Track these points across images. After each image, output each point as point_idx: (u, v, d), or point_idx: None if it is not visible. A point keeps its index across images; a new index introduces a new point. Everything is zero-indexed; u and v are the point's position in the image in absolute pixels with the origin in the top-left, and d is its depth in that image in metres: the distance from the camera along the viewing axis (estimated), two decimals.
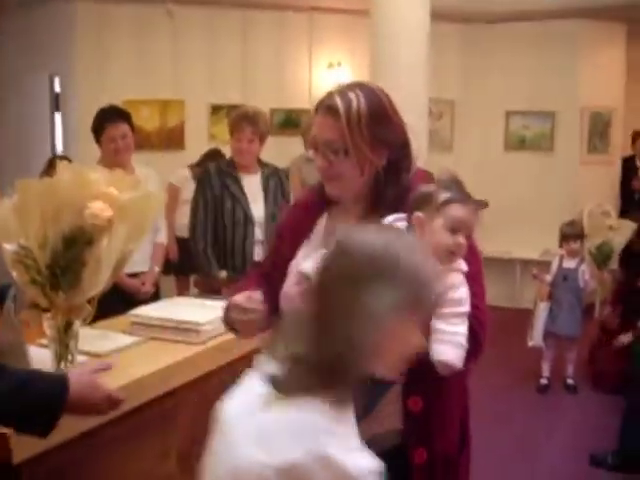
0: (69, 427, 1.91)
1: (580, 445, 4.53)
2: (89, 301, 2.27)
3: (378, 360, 1.31)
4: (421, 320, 1.39)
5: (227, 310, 1.96)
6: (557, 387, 5.63)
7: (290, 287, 1.84)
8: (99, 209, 2.04)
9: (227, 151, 4.48)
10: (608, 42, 8.00)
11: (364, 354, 1.27)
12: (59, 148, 7.33)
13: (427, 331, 1.63)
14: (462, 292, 1.71)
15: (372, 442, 1.35)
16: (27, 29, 7.16)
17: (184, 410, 2.50)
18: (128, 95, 6.66)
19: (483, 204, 1.80)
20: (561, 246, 5.63)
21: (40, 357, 2.21)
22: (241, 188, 4.04)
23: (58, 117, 7.32)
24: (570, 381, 5.62)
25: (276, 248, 2.06)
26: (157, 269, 4.13)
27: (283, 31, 7.52)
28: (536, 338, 5.56)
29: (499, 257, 8.02)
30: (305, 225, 1.93)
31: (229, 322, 1.98)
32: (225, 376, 2.31)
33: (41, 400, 1.58)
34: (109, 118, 3.94)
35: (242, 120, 4.03)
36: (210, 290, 3.89)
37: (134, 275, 3.92)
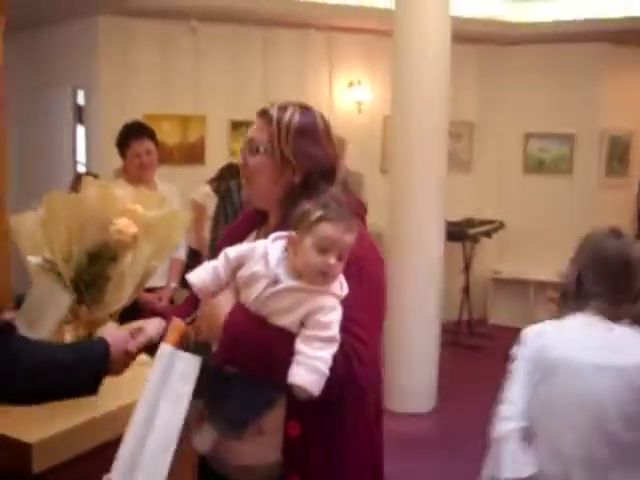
0: (89, 439, 1.94)
1: None
2: (111, 315, 2.31)
3: None
4: None
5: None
6: None
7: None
8: (124, 225, 2.09)
9: None
10: (628, 66, 8.01)
11: None
12: (81, 160, 7.40)
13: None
14: (331, 316, 1.63)
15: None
16: (51, 43, 7.26)
17: None
18: (150, 109, 6.73)
19: (357, 225, 1.70)
20: None
21: None
22: None
23: (80, 130, 7.41)
24: None
25: None
26: (174, 285, 4.16)
27: (304, 49, 7.56)
28: None
29: (514, 278, 8.02)
30: (237, 240, 1.92)
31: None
32: None
33: (92, 367, 1.74)
34: (134, 134, 3.97)
35: None
36: None
37: (151, 290, 3.95)
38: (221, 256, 1.73)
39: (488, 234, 7.83)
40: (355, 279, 1.70)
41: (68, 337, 2.31)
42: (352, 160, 6.15)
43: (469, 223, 7.73)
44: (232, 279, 1.72)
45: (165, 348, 1.68)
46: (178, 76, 7.09)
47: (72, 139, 7.41)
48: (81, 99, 7.34)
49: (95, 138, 6.99)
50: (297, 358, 1.59)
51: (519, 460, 2.13)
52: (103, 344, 1.76)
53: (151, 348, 1.78)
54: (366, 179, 6.38)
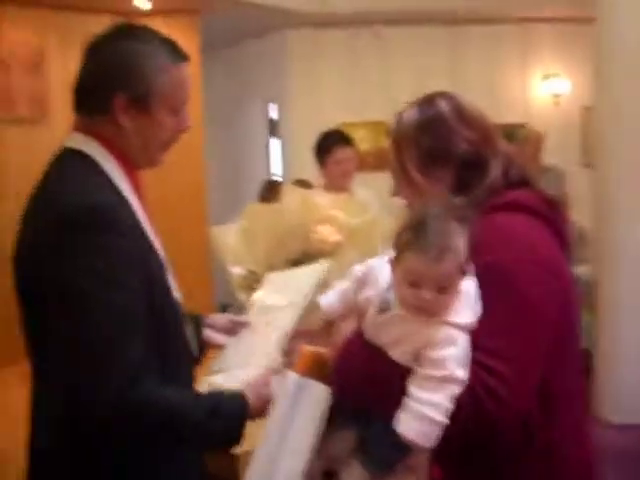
0: None
1: None
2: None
3: None
4: None
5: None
6: None
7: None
8: (327, 233, 2.03)
9: None
10: None
11: None
12: (275, 171, 7.59)
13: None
14: (446, 351, 1.32)
15: None
16: (244, 59, 7.51)
17: None
18: (341, 118, 6.76)
19: (446, 250, 1.33)
20: None
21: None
22: None
23: (274, 142, 7.59)
24: None
25: None
26: None
27: (494, 44, 7.33)
28: None
29: None
30: None
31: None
32: None
33: (231, 418, 1.57)
34: (335, 141, 3.96)
35: None
36: None
37: None
38: (350, 275, 1.55)
39: None
40: (492, 296, 1.39)
41: None
42: (550, 155, 5.86)
43: None
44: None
45: (291, 376, 1.55)
46: (367, 82, 7.09)
47: (266, 152, 7.61)
48: (274, 112, 7.53)
49: (288, 150, 7.13)
50: (405, 401, 1.34)
51: None
52: (241, 398, 1.60)
53: None
54: (566, 174, 6.05)
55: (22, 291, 1.53)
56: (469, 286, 1.38)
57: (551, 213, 1.54)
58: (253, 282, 2.30)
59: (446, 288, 1.33)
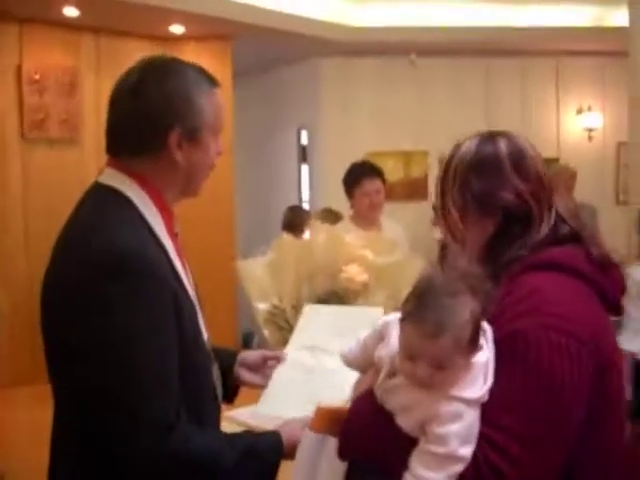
0: None
1: None
2: None
3: None
4: None
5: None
6: None
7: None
8: (354, 273, 1.98)
9: None
10: None
11: None
12: (305, 198, 7.56)
13: None
14: (450, 427, 1.22)
15: None
16: (277, 87, 7.51)
17: None
18: (372, 147, 6.74)
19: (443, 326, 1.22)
20: None
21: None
22: None
23: (305, 168, 7.57)
24: None
25: None
26: None
27: (528, 77, 7.29)
28: None
29: None
30: None
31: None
32: None
33: (266, 458, 1.55)
34: (364, 173, 3.94)
35: None
36: None
37: None
38: (374, 325, 1.44)
39: None
40: (505, 366, 1.26)
41: None
42: (583, 191, 5.78)
43: None
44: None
45: (307, 435, 1.49)
46: (399, 112, 7.06)
47: (297, 178, 7.59)
48: (305, 139, 7.52)
49: (318, 177, 7.11)
50: (404, 476, 1.25)
51: None
52: (276, 438, 1.58)
53: None
54: (599, 211, 5.96)
55: (44, 328, 1.50)
56: (482, 357, 1.27)
57: (598, 274, 1.39)
58: (278, 318, 2.26)
59: (444, 365, 1.23)
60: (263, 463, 1.53)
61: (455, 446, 1.21)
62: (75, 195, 1.59)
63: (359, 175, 3.94)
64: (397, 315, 1.33)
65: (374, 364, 1.40)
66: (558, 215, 1.44)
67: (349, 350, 1.49)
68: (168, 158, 1.52)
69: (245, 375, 1.88)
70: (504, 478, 1.21)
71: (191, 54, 5.65)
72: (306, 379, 1.86)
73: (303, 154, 7.51)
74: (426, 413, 1.24)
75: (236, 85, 6.04)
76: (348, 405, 1.46)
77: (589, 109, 7.31)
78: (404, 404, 1.29)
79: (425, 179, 7.15)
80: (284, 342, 2.29)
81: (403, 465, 1.26)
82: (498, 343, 1.28)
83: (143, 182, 1.53)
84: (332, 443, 1.44)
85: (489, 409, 1.24)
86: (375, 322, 1.43)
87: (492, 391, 1.25)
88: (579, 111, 7.36)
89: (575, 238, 1.43)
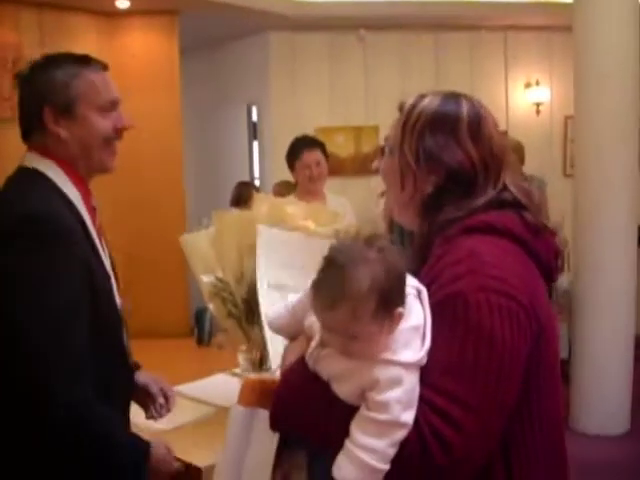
0: None
1: None
2: None
3: None
4: None
5: None
6: None
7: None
8: None
9: None
10: None
11: None
12: (256, 175, 7.53)
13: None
14: (390, 393, 1.20)
15: None
16: (225, 62, 7.44)
17: None
18: (322, 122, 6.73)
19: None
20: None
21: (231, 386, 2.18)
22: None
23: (255, 144, 7.52)
24: None
25: None
26: None
27: (476, 51, 7.31)
28: None
29: None
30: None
31: None
32: None
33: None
34: (303, 146, 3.98)
35: None
36: None
37: None
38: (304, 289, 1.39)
39: None
40: (445, 328, 1.25)
41: (241, 360, 2.25)
42: (531, 164, 5.85)
43: None
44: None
45: (236, 410, 1.47)
46: (348, 87, 7.05)
47: (249, 155, 7.54)
48: (255, 116, 7.47)
49: (268, 153, 7.08)
50: (346, 444, 1.23)
51: None
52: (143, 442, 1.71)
53: None
54: (547, 184, 6.04)
55: None
56: (414, 319, 1.26)
57: (532, 239, 1.39)
58: (221, 290, 2.26)
59: (354, 334, 1.22)
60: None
61: (397, 412, 1.20)
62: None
63: (299, 148, 3.98)
64: None
65: (304, 331, 1.38)
66: (504, 184, 1.44)
67: (277, 315, 1.47)
68: (54, 134, 1.70)
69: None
70: (447, 442, 1.20)
71: (137, 29, 5.56)
72: None
73: (254, 131, 7.46)
74: (364, 380, 1.23)
75: (184, 60, 5.96)
76: (276, 376, 1.45)
77: (537, 83, 7.37)
78: (338, 373, 1.27)
79: (376, 154, 7.15)
80: (229, 315, 2.30)
81: (340, 433, 1.24)
82: (437, 305, 1.28)
83: (55, 160, 1.69)
84: (263, 416, 1.41)
85: (429, 372, 1.23)
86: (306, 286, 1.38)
87: (432, 353, 1.23)
88: (527, 85, 7.41)
89: (515, 205, 1.43)
